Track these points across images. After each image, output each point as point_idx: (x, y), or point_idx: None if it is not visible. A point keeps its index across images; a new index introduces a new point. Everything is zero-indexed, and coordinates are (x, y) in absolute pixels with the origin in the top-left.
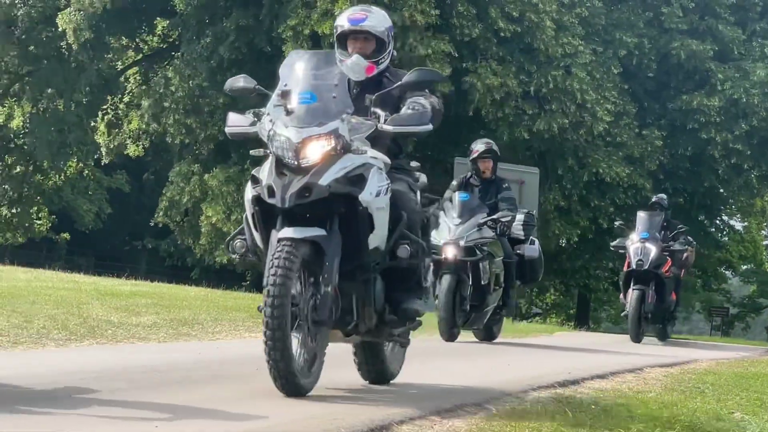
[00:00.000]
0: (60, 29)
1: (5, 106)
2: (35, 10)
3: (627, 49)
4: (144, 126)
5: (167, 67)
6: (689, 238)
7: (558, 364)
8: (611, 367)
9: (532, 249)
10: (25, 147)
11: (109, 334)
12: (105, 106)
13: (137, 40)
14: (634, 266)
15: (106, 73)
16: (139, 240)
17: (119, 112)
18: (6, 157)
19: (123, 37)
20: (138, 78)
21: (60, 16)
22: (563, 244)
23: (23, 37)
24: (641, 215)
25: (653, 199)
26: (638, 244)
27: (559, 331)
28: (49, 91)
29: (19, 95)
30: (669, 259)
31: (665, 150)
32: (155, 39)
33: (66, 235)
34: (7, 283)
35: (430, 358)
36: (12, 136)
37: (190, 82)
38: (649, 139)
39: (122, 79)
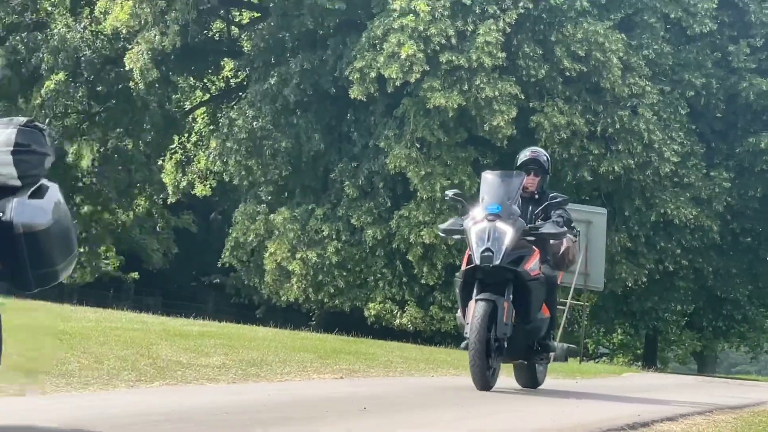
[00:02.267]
0: (127, 68)
1: (74, 146)
2: (102, 51)
3: (694, 89)
4: (211, 166)
5: (233, 107)
6: (568, 216)
7: (627, 406)
8: (681, 409)
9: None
10: (94, 186)
11: (178, 375)
12: (173, 146)
13: (205, 80)
14: (477, 261)
15: (174, 113)
16: (207, 279)
17: (187, 151)
18: (74, 196)
19: (190, 78)
20: (205, 118)
21: (127, 55)
22: (630, 285)
23: (92, 77)
24: (489, 177)
25: (525, 155)
26: (484, 224)
27: (627, 371)
28: (118, 130)
29: (88, 134)
30: (536, 249)
31: (733, 191)
32: (222, 79)
33: (134, 275)
34: (77, 324)
35: (501, 398)
36: (80, 175)
37: (254, 123)
38: (716, 180)
39: (189, 118)
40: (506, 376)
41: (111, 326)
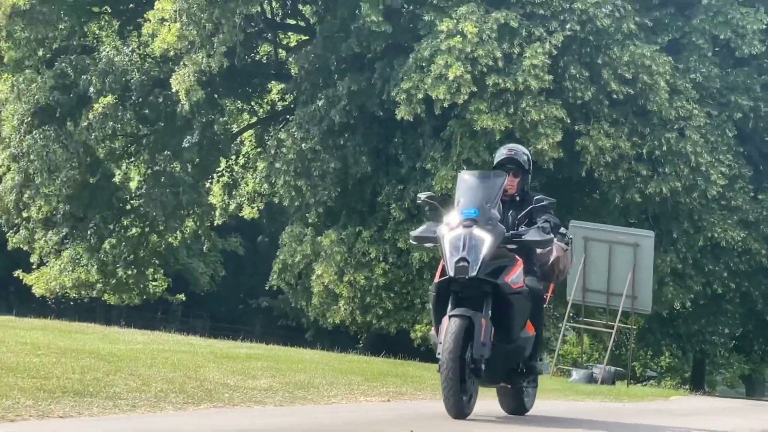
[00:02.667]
0: (173, 89)
1: (122, 168)
2: (151, 73)
3: (742, 112)
4: (258, 188)
5: (281, 129)
6: (556, 220)
7: (676, 430)
8: None
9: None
10: (141, 209)
11: (225, 397)
12: (220, 169)
13: (252, 102)
14: (451, 272)
15: (221, 136)
16: (254, 301)
17: (234, 174)
18: (122, 218)
19: (238, 100)
20: (253, 141)
21: (174, 76)
22: (678, 308)
23: (139, 100)
24: (466, 178)
25: (502, 153)
26: (459, 231)
27: (674, 395)
28: (165, 153)
29: (136, 157)
30: (519, 259)
31: None
32: (269, 102)
33: (181, 296)
34: (125, 346)
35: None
36: (128, 197)
37: (302, 144)
38: (764, 203)
39: (237, 141)
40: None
41: (159, 348)
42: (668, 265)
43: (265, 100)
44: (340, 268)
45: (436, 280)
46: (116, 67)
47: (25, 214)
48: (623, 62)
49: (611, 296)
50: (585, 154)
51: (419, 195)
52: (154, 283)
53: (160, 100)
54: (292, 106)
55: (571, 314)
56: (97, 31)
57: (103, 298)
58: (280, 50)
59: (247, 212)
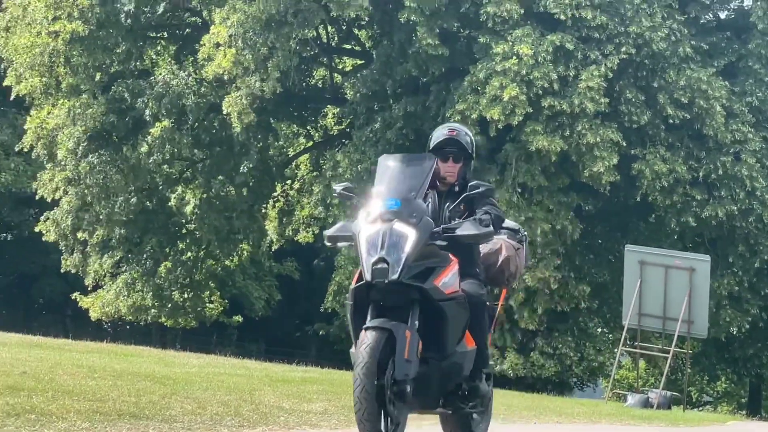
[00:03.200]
0: (224, 112)
1: (178, 193)
2: (207, 97)
3: None
4: (313, 211)
5: (337, 152)
6: (499, 212)
7: None
8: None
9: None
10: (197, 233)
11: (281, 420)
12: (276, 194)
13: (308, 127)
14: (368, 276)
15: (276, 160)
16: (309, 326)
17: (290, 198)
18: (178, 242)
19: (293, 124)
20: (308, 165)
21: (226, 99)
22: (734, 332)
23: (195, 124)
24: (388, 163)
25: (441, 134)
26: (377, 226)
27: (731, 420)
28: (220, 177)
29: (192, 181)
30: (454, 259)
31: None
32: (324, 127)
33: (238, 318)
34: (181, 369)
35: None
36: (183, 221)
37: (359, 166)
38: None
39: (293, 165)
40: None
41: (214, 372)
42: (724, 288)
43: (321, 125)
44: None
45: (353, 285)
46: (172, 90)
47: (80, 237)
48: (679, 86)
49: (667, 321)
50: (641, 179)
51: (334, 187)
52: (210, 306)
53: (215, 124)
54: (348, 129)
55: (627, 339)
56: (153, 56)
57: (159, 321)
58: (335, 74)
59: (303, 237)
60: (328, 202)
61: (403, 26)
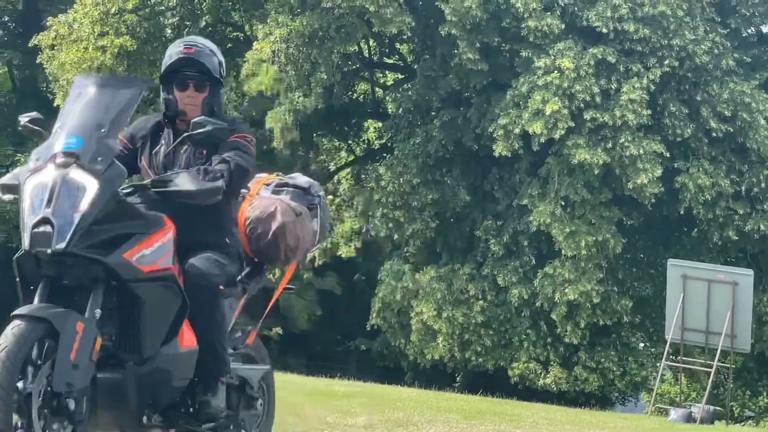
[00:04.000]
0: (267, 127)
1: None
2: (249, 113)
3: None
4: (354, 226)
5: (379, 165)
6: (248, 161)
7: None
8: None
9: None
10: None
11: None
12: None
13: (349, 141)
14: (26, 243)
15: (318, 174)
16: (351, 341)
17: (332, 213)
18: None
19: (335, 139)
20: (350, 179)
21: (269, 115)
22: None
23: None
24: (80, 88)
25: (176, 51)
26: (48, 174)
27: None
28: None
29: None
30: (166, 225)
31: None
32: (366, 141)
33: (278, 329)
34: None
35: None
36: None
37: (401, 178)
38: None
39: (334, 180)
40: None
41: None
42: (764, 305)
43: (362, 139)
44: (439, 305)
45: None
46: None
47: None
48: (722, 99)
49: (710, 335)
50: (684, 192)
51: (19, 118)
52: None
53: (258, 138)
54: (390, 144)
55: (669, 353)
56: None
57: None
58: (377, 89)
59: (344, 251)
60: (369, 215)
61: (444, 39)
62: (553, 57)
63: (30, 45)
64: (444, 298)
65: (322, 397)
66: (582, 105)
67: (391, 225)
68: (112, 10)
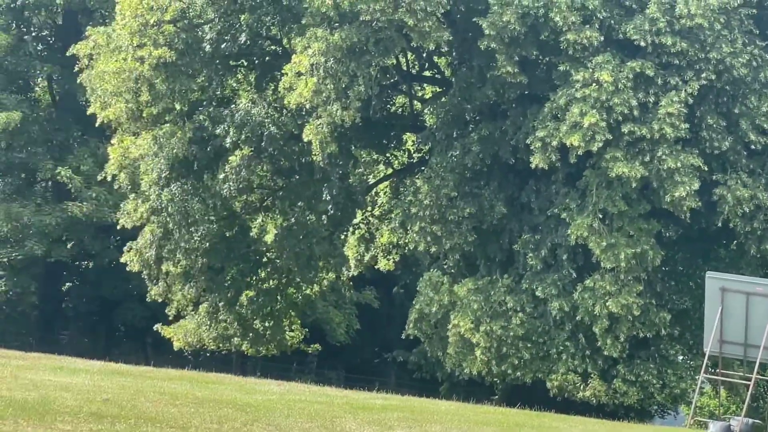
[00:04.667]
0: (305, 139)
1: (258, 221)
2: (287, 126)
3: None
4: (393, 239)
5: (416, 178)
6: None
7: None
8: None
9: None
10: (277, 261)
11: None
12: (356, 221)
13: (387, 154)
14: None
15: (356, 187)
16: (389, 353)
17: (371, 226)
18: (259, 270)
19: (373, 152)
20: (388, 192)
21: (307, 127)
22: None
23: (275, 152)
24: None
25: None
26: None
27: None
28: (299, 204)
29: (272, 210)
30: None
31: None
32: (404, 153)
33: (317, 346)
34: (262, 396)
35: None
36: (264, 249)
37: (439, 191)
38: None
39: (373, 193)
40: None
41: (295, 399)
42: None
43: (401, 152)
44: (477, 317)
45: None
46: (253, 119)
47: (164, 269)
48: (761, 112)
49: (749, 348)
50: (722, 204)
51: None
52: (290, 334)
53: (296, 151)
54: (427, 157)
55: (708, 366)
56: (234, 85)
57: (241, 349)
58: (415, 102)
59: (383, 264)
60: (408, 227)
61: (482, 53)
62: (591, 70)
63: (68, 54)
64: (482, 310)
65: (361, 411)
66: (620, 118)
67: (429, 239)
68: (151, 21)
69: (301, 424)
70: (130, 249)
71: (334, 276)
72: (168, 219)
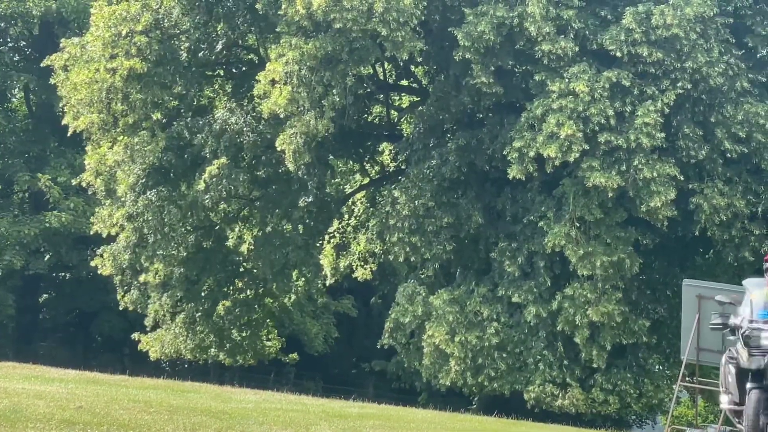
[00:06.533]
0: (278, 148)
1: (235, 231)
2: (264, 134)
3: None
4: (371, 247)
5: (394, 188)
6: None
7: None
8: None
9: None
10: (254, 271)
11: None
12: (332, 229)
13: (364, 163)
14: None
15: (332, 197)
16: (367, 363)
17: (346, 235)
18: (236, 280)
19: (349, 161)
20: (365, 202)
21: (280, 137)
22: None
23: (252, 161)
24: None
25: None
26: None
27: None
28: (276, 211)
29: (249, 220)
30: None
31: None
32: (381, 163)
33: (294, 355)
34: (237, 405)
35: None
36: (241, 259)
37: (416, 201)
38: None
39: (349, 202)
40: None
41: (270, 407)
42: None
43: (377, 161)
44: (452, 328)
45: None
46: (230, 128)
47: (141, 279)
48: (737, 121)
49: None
50: (699, 213)
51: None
52: (268, 344)
53: (272, 161)
54: (404, 166)
55: (685, 374)
56: (211, 94)
57: (218, 359)
58: (392, 111)
59: (360, 273)
60: (385, 237)
61: (458, 63)
62: (567, 80)
63: (43, 65)
64: (457, 321)
65: (336, 419)
66: (597, 128)
67: (407, 249)
68: (123, 31)
69: (275, 431)
70: (103, 253)
71: (309, 287)
72: (143, 225)
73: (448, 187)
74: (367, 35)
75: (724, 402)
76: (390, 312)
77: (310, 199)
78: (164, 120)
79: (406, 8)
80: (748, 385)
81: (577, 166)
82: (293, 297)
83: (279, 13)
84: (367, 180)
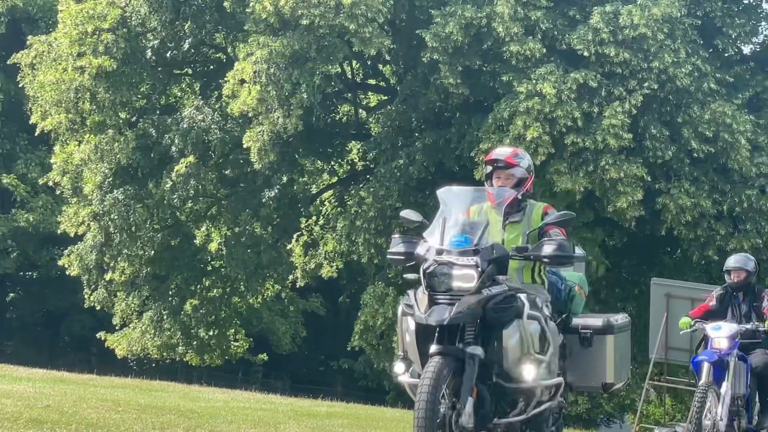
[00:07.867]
0: (244, 146)
1: (203, 230)
2: (232, 133)
3: None
4: (337, 248)
5: (361, 188)
6: None
7: None
8: None
9: None
10: (223, 270)
11: None
12: (301, 228)
13: (332, 163)
14: None
15: (300, 196)
16: (335, 361)
17: (314, 234)
18: (204, 279)
19: (317, 160)
20: (333, 201)
21: (247, 134)
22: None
23: (220, 160)
24: None
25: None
26: None
27: None
28: (247, 211)
29: (217, 219)
30: None
31: None
32: (349, 162)
33: (264, 356)
34: (205, 404)
35: None
36: (209, 258)
37: (384, 202)
38: None
39: (317, 201)
40: None
41: (239, 406)
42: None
43: (345, 160)
44: None
45: None
46: (198, 126)
47: (107, 277)
48: (704, 120)
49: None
50: (666, 213)
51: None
52: (235, 344)
53: (240, 160)
54: (372, 166)
55: (654, 373)
56: (179, 93)
57: (185, 359)
58: (360, 110)
59: (326, 271)
60: (353, 238)
61: (427, 62)
62: (534, 81)
63: (9, 63)
64: None
65: (305, 418)
66: (563, 129)
67: (373, 250)
68: (89, 29)
69: (244, 430)
70: (71, 253)
71: (279, 287)
72: (110, 223)
73: (416, 187)
74: (335, 32)
75: (399, 372)
76: (359, 314)
77: (273, 194)
78: (132, 119)
79: (373, 4)
80: (432, 348)
81: (543, 168)
82: (260, 298)
83: (247, 10)
84: (335, 179)
